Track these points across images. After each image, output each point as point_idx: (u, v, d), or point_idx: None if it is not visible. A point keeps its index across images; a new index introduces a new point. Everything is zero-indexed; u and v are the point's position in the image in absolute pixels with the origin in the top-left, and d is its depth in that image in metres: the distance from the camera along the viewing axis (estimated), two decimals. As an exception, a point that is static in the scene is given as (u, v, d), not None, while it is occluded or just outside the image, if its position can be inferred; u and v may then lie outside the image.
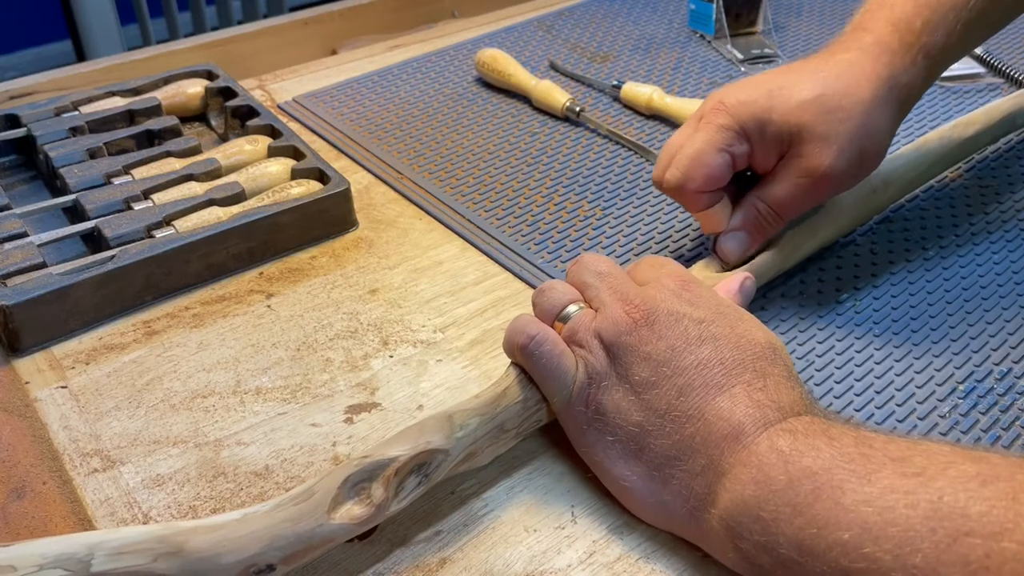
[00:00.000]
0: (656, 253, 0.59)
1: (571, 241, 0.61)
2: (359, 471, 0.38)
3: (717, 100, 0.51)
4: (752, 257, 0.53)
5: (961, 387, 0.49)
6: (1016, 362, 0.51)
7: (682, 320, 0.41)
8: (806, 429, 0.37)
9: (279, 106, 0.77)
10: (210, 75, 0.73)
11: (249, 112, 0.69)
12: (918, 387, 0.49)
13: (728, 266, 0.53)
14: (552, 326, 0.44)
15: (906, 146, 0.62)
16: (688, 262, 0.57)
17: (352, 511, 0.37)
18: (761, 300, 0.55)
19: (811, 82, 0.50)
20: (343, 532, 0.37)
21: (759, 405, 0.39)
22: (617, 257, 0.59)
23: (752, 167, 0.52)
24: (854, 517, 0.33)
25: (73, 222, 0.59)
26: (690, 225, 0.62)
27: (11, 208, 0.58)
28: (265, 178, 0.61)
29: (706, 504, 0.38)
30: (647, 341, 0.41)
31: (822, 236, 0.56)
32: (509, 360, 0.45)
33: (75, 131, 0.65)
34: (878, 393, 0.49)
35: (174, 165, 0.62)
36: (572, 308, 0.44)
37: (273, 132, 0.66)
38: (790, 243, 0.54)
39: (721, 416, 0.39)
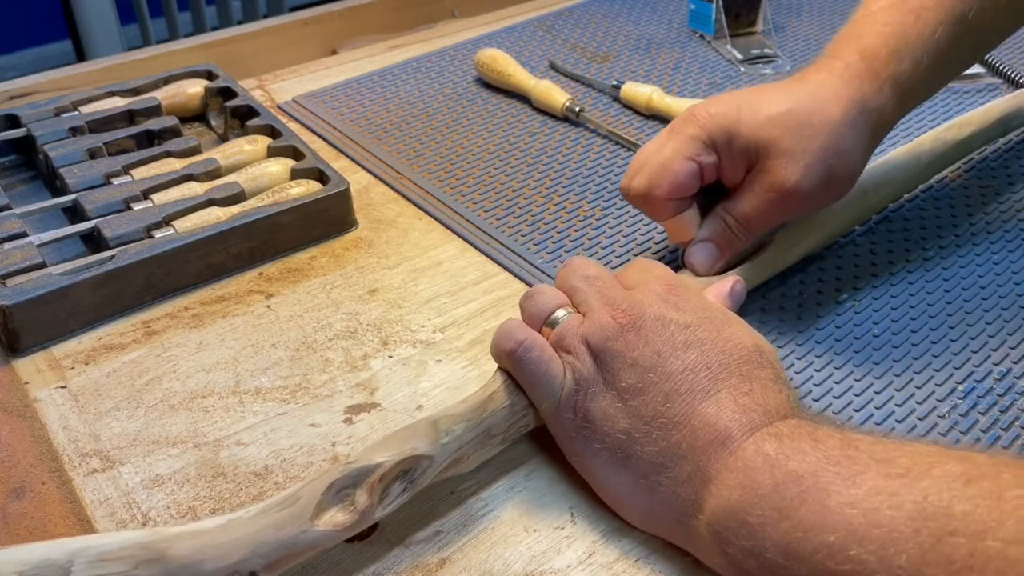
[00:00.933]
0: (656, 254, 0.59)
1: (571, 241, 0.61)
2: (344, 477, 0.38)
3: (689, 112, 0.51)
4: (742, 261, 0.53)
5: (961, 387, 0.49)
6: (1016, 362, 0.51)
7: (668, 325, 0.41)
8: (792, 432, 0.37)
9: (279, 106, 0.77)
10: (210, 75, 0.73)
11: (249, 112, 0.69)
12: (918, 387, 0.49)
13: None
14: (540, 331, 0.44)
15: (900, 148, 0.62)
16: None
17: (336, 517, 0.37)
18: (761, 301, 0.55)
19: (781, 98, 0.50)
20: (326, 539, 0.37)
21: (745, 409, 0.39)
22: (617, 258, 0.59)
23: (721, 180, 0.52)
24: (839, 519, 0.33)
25: (73, 222, 0.59)
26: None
27: (11, 208, 0.58)
28: (265, 178, 0.61)
29: (693, 510, 0.38)
30: (633, 346, 0.41)
31: (813, 239, 0.55)
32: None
33: (75, 131, 0.65)
34: (878, 393, 0.49)
35: (174, 165, 0.62)
36: (560, 313, 0.44)
37: (273, 132, 0.66)
38: (781, 245, 0.54)
39: (707, 422, 0.38)
